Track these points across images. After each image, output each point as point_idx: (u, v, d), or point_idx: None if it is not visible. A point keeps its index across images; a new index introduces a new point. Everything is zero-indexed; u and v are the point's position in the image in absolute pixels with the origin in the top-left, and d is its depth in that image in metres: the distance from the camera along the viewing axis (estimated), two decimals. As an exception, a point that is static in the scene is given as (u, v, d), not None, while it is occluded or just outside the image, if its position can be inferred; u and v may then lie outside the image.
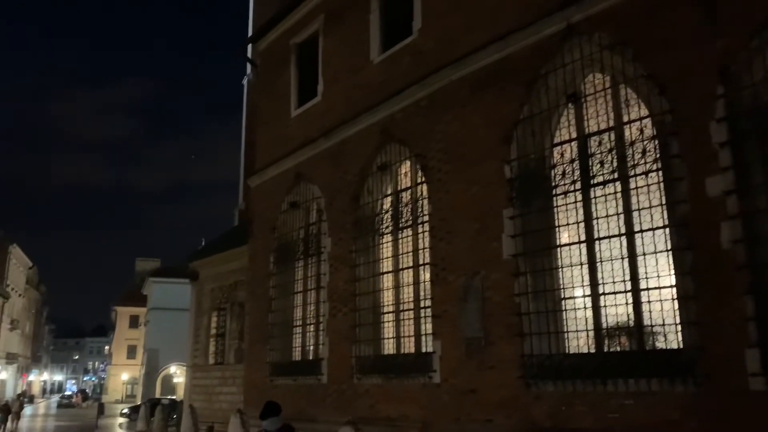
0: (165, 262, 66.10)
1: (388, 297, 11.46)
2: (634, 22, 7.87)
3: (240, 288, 18.31)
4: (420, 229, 10.78)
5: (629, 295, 7.53)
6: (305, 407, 12.37)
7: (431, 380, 9.82)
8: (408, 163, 11.37)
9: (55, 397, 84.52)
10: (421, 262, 10.69)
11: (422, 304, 10.53)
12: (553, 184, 8.60)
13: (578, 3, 8.42)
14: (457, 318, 9.49)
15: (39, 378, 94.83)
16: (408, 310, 10.89)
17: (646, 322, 7.37)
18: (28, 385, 79.63)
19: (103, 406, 41.11)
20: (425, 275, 10.54)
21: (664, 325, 7.14)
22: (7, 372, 63.31)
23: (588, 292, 7.99)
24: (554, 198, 8.58)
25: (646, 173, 7.59)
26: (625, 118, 7.98)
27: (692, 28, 7.27)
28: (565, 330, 8.16)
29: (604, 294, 7.81)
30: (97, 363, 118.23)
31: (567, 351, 8.11)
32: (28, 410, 49.11)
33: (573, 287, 8.25)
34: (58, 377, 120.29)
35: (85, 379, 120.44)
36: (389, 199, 11.79)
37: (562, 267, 8.37)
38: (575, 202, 8.28)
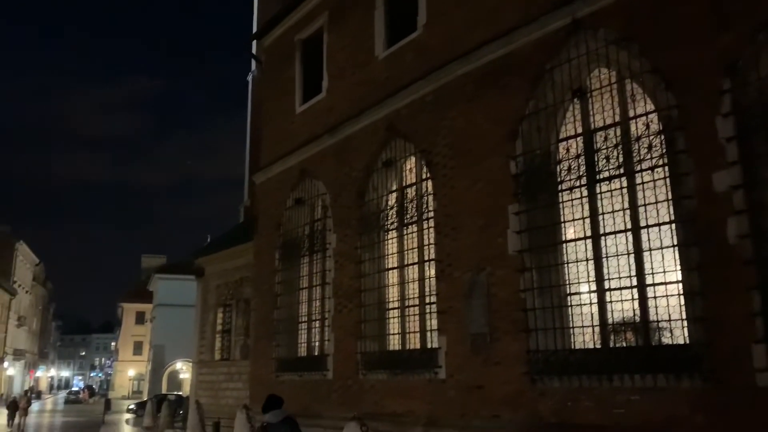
0: (171, 258, 66.41)
1: (393, 293, 11.47)
2: (639, 17, 7.83)
3: (245, 284, 18.35)
4: (425, 225, 10.78)
5: (635, 290, 7.52)
6: (311, 403, 12.41)
7: (437, 376, 9.83)
8: (413, 159, 11.37)
9: (62, 393, 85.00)
10: (426, 258, 10.69)
11: (427, 300, 10.53)
12: (559, 179, 8.58)
13: (584, -2, 8.39)
14: (463, 314, 9.49)
15: (46, 374, 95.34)
16: (413, 306, 10.90)
17: (652, 317, 7.35)
18: (35, 381, 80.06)
19: (109, 402, 41.27)
20: (430, 271, 10.54)
21: (670, 320, 7.13)
22: (14, 368, 63.72)
23: (594, 287, 7.98)
24: (560, 193, 8.56)
25: (652, 168, 7.56)
26: (631, 113, 7.95)
27: (698, 22, 7.24)
28: (571, 326, 8.15)
29: (609, 290, 7.80)
30: (103, 359, 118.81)
31: (573, 347, 8.10)
32: (35, 406, 49.43)
33: (579, 283, 8.24)
34: (65, 373, 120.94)
35: (91, 375, 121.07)
36: (394, 195, 11.78)
37: (567, 263, 8.36)
38: (581, 197, 8.26)
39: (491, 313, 9.05)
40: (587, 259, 8.10)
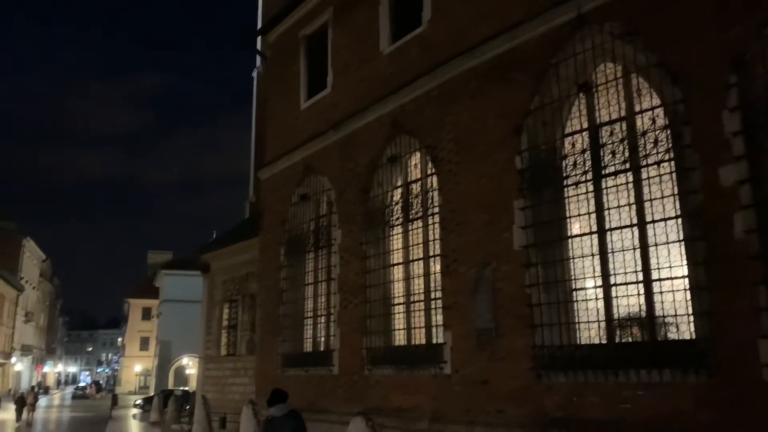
0: (177, 254, 66.53)
1: (398, 288, 11.48)
2: (645, 11, 7.79)
3: (251, 280, 18.41)
4: (430, 221, 10.78)
5: (641, 285, 7.51)
6: (317, 398, 12.45)
7: (442, 371, 9.85)
8: (418, 154, 11.36)
9: (70, 389, 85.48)
10: (431, 253, 10.70)
11: (433, 296, 10.54)
12: (565, 174, 8.56)
13: (589, -8, 8.35)
14: (468, 309, 9.50)
15: (53, 369, 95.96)
16: (419, 301, 10.91)
17: (658, 312, 7.34)
18: (42, 376, 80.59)
19: (116, 397, 41.49)
20: (436, 267, 10.55)
21: (676, 315, 7.11)
22: (22, 364, 64.14)
23: (599, 282, 7.97)
24: (565, 189, 8.55)
25: (658, 163, 7.54)
26: (637, 108, 7.92)
27: (705, 16, 7.20)
28: (577, 321, 8.15)
29: (615, 285, 7.79)
30: (110, 354, 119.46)
31: (578, 342, 8.10)
32: (43, 401, 49.72)
33: (584, 278, 8.23)
34: (72, 369, 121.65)
35: (98, 370, 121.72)
36: (399, 190, 11.78)
37: (573, 258, 8.35)
38: (586, 192, 8.24)
39: (497, 308, 9.05)
40: (593, 255, 8.09)
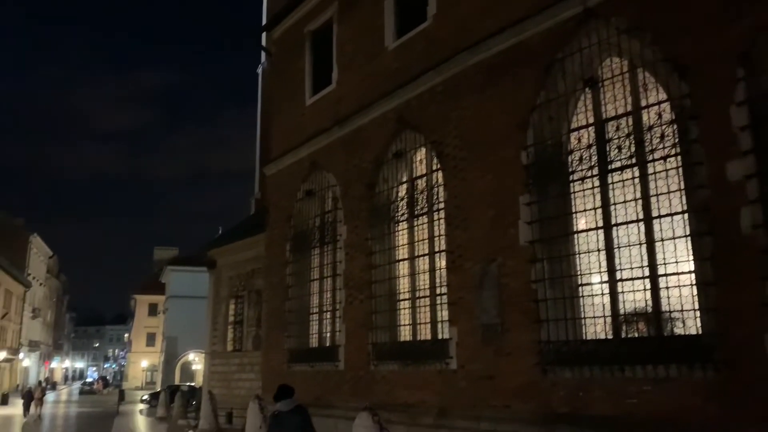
0: (183, 250, 66.83)
1: (404, 284, 11.49)
2: (652, 5, 7.75)
3: (257, 276, 18.45)
4: (435, 217, 10.78)
5: (647, 281, 7.49)
6: (323, 393, 12.48)
7: (448, 366, 9.85)
8: (423, 150, 11.35)
9: (77, 384, 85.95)
10: (436, 249, 10.69)
11: (438, 291, 10.54)
12: (570, 169, 8.54)
13: (595, -14, 8.31)
14: (474, 305, 9.50)
15: (61, 365, 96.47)
16: (424, 297, 10.91)
17: (665, 308, 7.32)
18: (50, 372, 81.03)
19: (123, 392, 41.71)
20: (441, 262, 10.54)
21: (682, 310, 7.09)
22: (29, 359, 64.50)
23: (605, 278, 7.95)
24: (571, 184, 8.52)
25: (664, 158, 7.51)
26: (643, 103, 7.89)
27: (712, 10, 7.16)
28: (583, 316, 8.14)
29: (621, 280, 7.77)
30: (117, 350, 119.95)
31: (584, 337, 8.09)
32: (50, 396, 50.03)
33: (590, 273, 8.22)
34: (79, 364, 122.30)
35: (105, 366, 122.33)
36: (404, 186, 11.78)
37: (579, 253, 8.33)
38: (592, 187, 8.23)
39: (502, 304, 9.05)
40: (599, 250, 8.07)
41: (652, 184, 7.60)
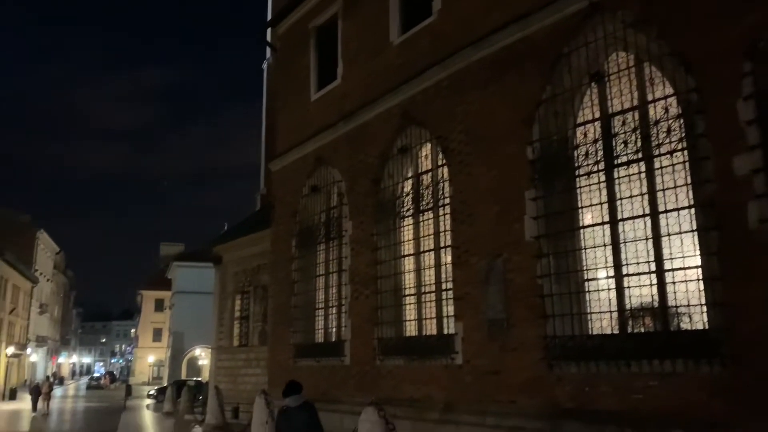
0: (189, 246, 66.85)
1: (409, 279, 11.50)
2: (658, -1, 7.71)
3: (263, 271, 18.50)
4: (441, 212, 10.78)
5: (653, 276, 7.47)
6: (329, 388, 12.52)
7: (453, 362, 9.87)
8: (428, 145, 11.34)
9: (84, 379, 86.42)
10: (442, 244, 10.70)
11: (444, 287, 10.55)
12: (576, 164, 8.52)
13: (601, -20, 8.27)
14: (479, 300, 9.50)
15: (68, 360, 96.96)
16: (430, 292, 10.92)
17: (671, 303, 7.30)
18: (57, 367, 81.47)
19: (130, 387, 41.93)
20: (446, 258, 10.55)
21: (689, 305, 7.08)
22: (37, 354, 64.81)
23: (611, 273, 7.94)
24: (577, 179, 8.51)
25: (671, 153, 7.48)
26: (650, 97, 7.86)
27: (719, 3, 7.12)
28: (589, 311, 8.14)
29: (627, 275, 7.76)
30: (123, 346, 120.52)
31: (590, 332, 8.08)
32: (58, 392, 50.29)
33: (596, 268, 8.20)
34: (87, 359, 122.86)
35: (112, 361, 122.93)
36: (410, 182, 11.78)
37: (585, 248, 8.32)
38: (598, 182, 8.21)
39: (508, 299, 9.04)
40: (605, 245, 8.05)
41: (658, 179, 7.58)
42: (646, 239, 7.60)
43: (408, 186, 11.79)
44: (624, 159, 7.97)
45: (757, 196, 6.50)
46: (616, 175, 8.06)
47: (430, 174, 11.28)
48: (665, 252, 7.40)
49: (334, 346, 13.01)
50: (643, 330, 7.70)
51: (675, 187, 7.36)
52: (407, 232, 11.64)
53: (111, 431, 19.34)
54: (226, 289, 21.21)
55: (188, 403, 23.39)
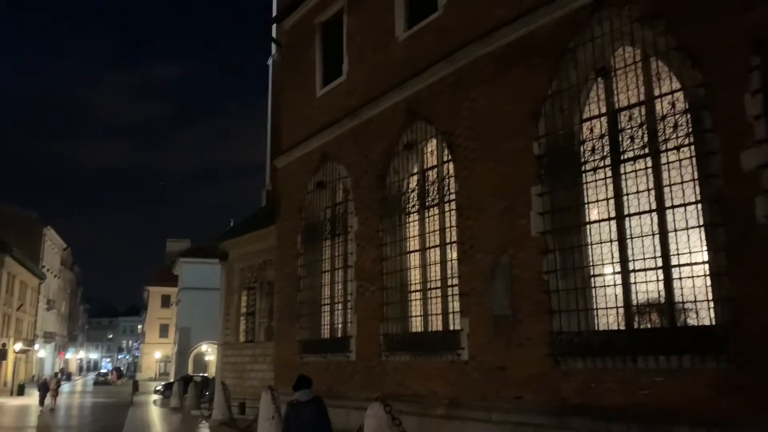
0: (195, 242, 66.98)
1: (415, 275, 11.50)
2: (665, -7, 7.66)
3: (269, 267, 18.53)
4: (447, 208, 10.76)
5: (660, 271, 7.45)
6: (334, 384, 12.54)
7: (459, 357, 9.87)
8: (434, 141, 11.32)
9: (91, 375, 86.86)
10: (448, 240, 10.68)
11: (449, 283, 10.54)
12: (583, 160, 8.49)
13: (608, -26, 8.22)
14: (485, 296, 9.49)
15: (75, 356, 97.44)
16: (435, 288, 10.92)
17: (678, 298, 7.28)
18: (65, 362, 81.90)
19: (137, 383, 42.12)
20: (452, 254, 10.54)
21: (695, 301, 7.06)
22: (45, 350, 65.20)
23: (618, 269, 7.92)
24: (583, 174, 8.48)
25: (677, 148, 7.45)
26: (656, 92, 7.82)
27: (727, -3, 7.07)
28: (595, 307, 8.12)
29: (634, 271, 7.73)
30: (130, 342, 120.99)
31: (597, 328, 8.07)
32: (65, 387, 50.59)
33: (603, 264, 8.19)
34: (94, 355, 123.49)
35: (119, 357, 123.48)
36: (415, 177, 11.77)
37: (591, 244, 8.30)
38: (605, 178, 8.18)
39: (514, 294, 9.04)
40: (611, 241, 8.03)
41: (665, 174, 7.55)
42: (653, 235, 7.58)
43: (414, 182, 11.78)
44: (630, 154, 7.94)
45: (765, 192, 6.46)
46: (622, 170, 8.02)
47: (435, 170, 11.26)
48: (672, 248, 7.37)
49: (339, 342, 13.03)
50: (649, 326, 7.68)
51: (682, 182, 7.33)
52: (413, 228, 11.63)
53: (118, 426, 19.42)
54: (233, 285, 21.26)
55: (195, 398, 23.50)
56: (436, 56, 10.98)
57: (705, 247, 7.07)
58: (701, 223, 7.11)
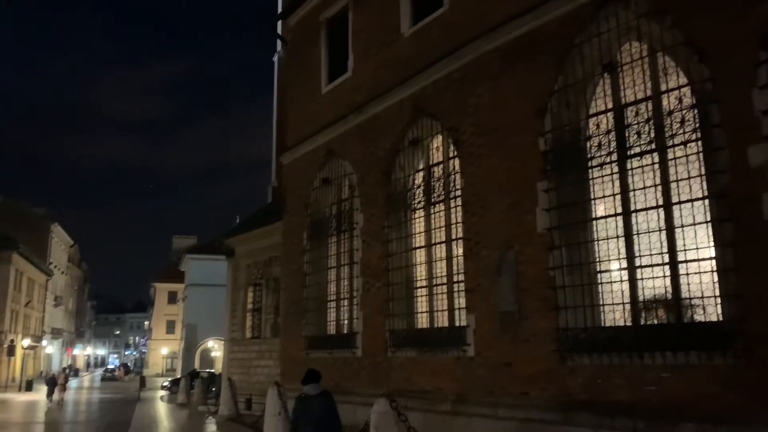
0: (201, 239, 67.22)
1: (421, 272, 11.50)
2: (672, -12, 7.62)
3: (275, 264, 18.58)
4: (452, 204, 10.76)
5: (667, 267, 7.43)
6: (341, 380, 12.57)
7: (465, 353, 9.87)
8: (440, 137, 11.31)
9: (99, 371, 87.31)
10: (453, 236, 10.68)
11: (455, 279, 10.54)
12: (589, 155, 8.47)
13: (614, -31, 8.19)
14: (491, 292, 9.49)
15: (83, 352, 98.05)
16: (441, 284, 10.92)
17: (684, 294, 7.27)
18: (72, 358, 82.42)
19: (144, 379, 42.30)
20: (458, 250, 10.53)
21: (702, 297, 7.04)
22: (52, 346, 65.62)
23: (624, 264, 7.90)
24: (590, 170, 8.46)
25: (684, 143, 7.42)
26: (663, 87, 7.79)
27: (734, -9, 7.03)
28: (601, 303, 8.10)
29: (641, 267, 7.72)
30: (137, 338, 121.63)
31: (603, 324, 8.06)
32: (73, 383, 50.88)
33: (609, 260, 8.17)
34: (101, 351, 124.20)
35: (126, 353, 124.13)
36: (421, 174, 11.76)
37: (597, 240, 8.28)
38: (611, 174, 8.15)
39: (520, 291, 9.03)
40: (618, 236, 8.01)
41: (672, 170, 7.52)
42: (660, 230, 7.56)
43: (419, 178, 11.78)
44: (637, 150, 7.91)
45: (773, 187, 6.43)
46: (629, 166, 8.00)
47: (441, 166, 11.25)
48: (679, 243, 7.35)
49: (345, 338, 13.06)
50: (656, 322, 7.66)
51: (689, 177, 7.31)
52: (418, 224, 11.63)
53: (126, 422, 19.53)
54: (239, 281, 21.32)
55: (202, 394, 23.64)
56: (442, 52, 10.96)
57: (712, 243, 7.04)
58: (708, 218, 7.08)
